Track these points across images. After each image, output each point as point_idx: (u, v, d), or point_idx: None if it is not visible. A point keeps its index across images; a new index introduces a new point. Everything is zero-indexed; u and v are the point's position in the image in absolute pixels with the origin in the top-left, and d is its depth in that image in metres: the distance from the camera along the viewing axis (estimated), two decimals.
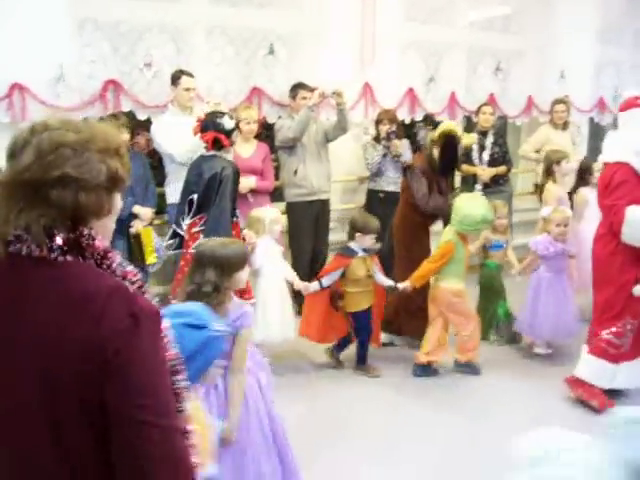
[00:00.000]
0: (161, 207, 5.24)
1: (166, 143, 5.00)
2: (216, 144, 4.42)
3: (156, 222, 5.16)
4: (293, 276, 4.67)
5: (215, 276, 2.70)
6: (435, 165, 5.02)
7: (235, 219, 4.46)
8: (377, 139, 5.98)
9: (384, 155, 5.91)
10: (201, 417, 2.12)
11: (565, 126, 7.14)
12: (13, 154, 1.39)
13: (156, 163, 5.29)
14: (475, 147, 6.51)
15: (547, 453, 1.25)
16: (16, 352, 1.35)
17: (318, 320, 4.68)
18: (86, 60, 5.12)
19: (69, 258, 1.37)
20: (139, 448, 1.33)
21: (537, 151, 7.03)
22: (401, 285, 4.67)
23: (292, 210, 5.68)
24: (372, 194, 6.06)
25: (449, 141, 4.94)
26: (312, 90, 5.59)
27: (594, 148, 7.54)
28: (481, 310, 5.29)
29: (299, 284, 4.63)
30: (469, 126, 7.25)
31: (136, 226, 4.84)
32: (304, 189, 5.57)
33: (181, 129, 4.88)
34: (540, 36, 7.55)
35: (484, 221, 4.64)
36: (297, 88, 5.65)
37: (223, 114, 4.54)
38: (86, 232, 1.39)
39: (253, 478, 2.79)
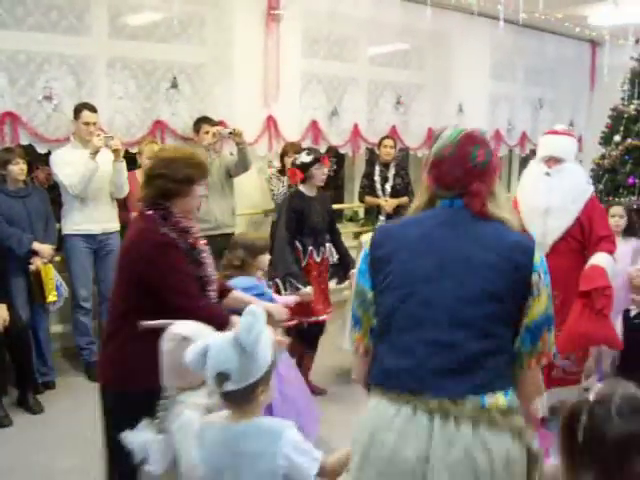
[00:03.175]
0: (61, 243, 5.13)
1: (62, 174, 4.94)
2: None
3: (56, 259, 5.02)
4: None
5: (243, 254, 3.76)
6: None
7: (301, 247, 4.84)
8: (282, 171, 6.02)
9: (289, 186, 5.96)
10: None
11: None
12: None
13: (56, 198, 5.17)
14: (378, 179, 6.68)
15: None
16: None
17: None
18: None
19: (150, 212, 2.74)
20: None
21: None
22: None
23: None
24: None
25: None
26: (216, 124, 5.62)
27: None
28: None
29: None
30: (372, 158, 7.43)
31: (35, 263, 4.70)
32: (207, 224, 5.52)
33: (79, 162, 4.87)
34: (438, 71, 7.85)
35: None
36: (201, 122, 5.66)
37: (302, 150, 5.08)
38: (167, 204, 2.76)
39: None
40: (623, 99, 6.90)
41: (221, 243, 5.57)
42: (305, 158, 4.86)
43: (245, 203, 6.21)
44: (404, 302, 1.94)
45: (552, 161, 4.05)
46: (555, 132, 4.24)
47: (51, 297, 4.75)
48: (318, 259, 4.94)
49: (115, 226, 5.25)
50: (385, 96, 7.53)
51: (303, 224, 4.84)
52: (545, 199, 3.98)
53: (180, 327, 2.38)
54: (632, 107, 6.70)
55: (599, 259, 3.85)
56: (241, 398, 2.08)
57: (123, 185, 5.17)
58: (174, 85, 5.84)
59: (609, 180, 6.68)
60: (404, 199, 6.73)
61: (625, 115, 6.74)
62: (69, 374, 5.23)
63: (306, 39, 6.70)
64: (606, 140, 6.94)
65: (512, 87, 8.96)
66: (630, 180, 6.55)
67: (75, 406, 4.65)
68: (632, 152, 6.61)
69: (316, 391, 4.98)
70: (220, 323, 2.57)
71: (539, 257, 1.97)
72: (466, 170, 2.01)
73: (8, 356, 4.53)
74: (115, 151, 5.02)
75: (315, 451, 2.09)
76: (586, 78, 9.89)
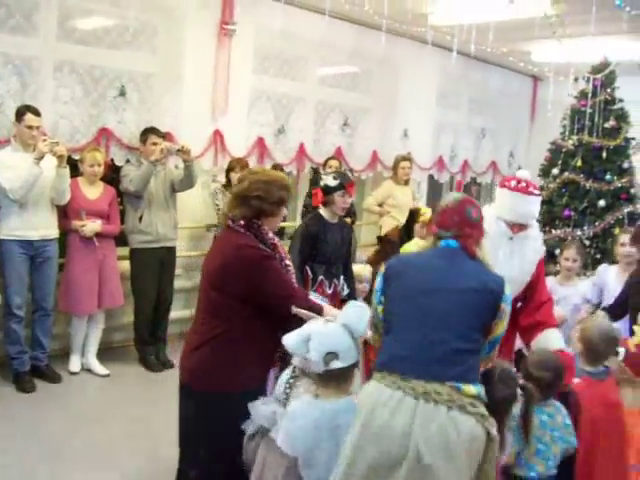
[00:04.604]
0: None
1: (2, 177, 4.79)
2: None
3: None
4: None
5: None
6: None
7: (311, 274, 4.58)
8: (227, 186, 5.99)
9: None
10: None
11: (407, 182, 7.51)
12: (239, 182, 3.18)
13: None
14: None
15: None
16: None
17: None
18: None
19: (242, 230, 3.05)
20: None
21: (380, 205, 7.35)
22: None
23: (136, 256, 5.58)
24: None
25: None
26: (163, 136, 5.56)
27: (432, 204, 7.96)
28: None
29: None
30: (316, 177, 7.46)
31: None
32: (149, 236, 5.48)
33: (20, 165, 4.75)
34: (385, 96, 7.95)
35: None
36: (148, 132, 5.56)
37: (329, 173, 4.98)
38: (259, 222, 3.08)
39: None
40: (562, 134, 7.12)
41: (162, 256, 5.55)
42: (330, 181, 4.61)
43: (187, 217, 6.15)
44: (406, 308, 2.59)
45: (517, 227, 3.76)
46: (525, 190, 3.75)
47: None
48: (329, 291, 4.61)
49: (54, 233, 5.12)
50: (332, 117, 7.59)
51: (317, 250, 4.57)
52: (502, 268, 3.75)
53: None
54: (570, 142, 6.93)
55: (561, 344, 3.73)
56: (343, 376, 2.63)
57: (65, 191, 5.06)
58: (122, 93, 5.76)
59: (546, 211, 6.88)
60: (347, 220, 6.76)
61: (563, 149, 6.96)
62: None
63: (257, 56, 6.71)
64: (544, 172, 7.15)
65: (456, 115, 9.15)
66: (566, 212, 6.76)
67: (3, 417, 4.52)
68: (569, 185, 6.83)
69: None
70: (319, 311, 3.07)
71: (508, 290, 2.64)
72: (462, 218, 2.70)
73: None
74: (60, 157, 4.90)
75: None
76: (527, 111, 10.18)
